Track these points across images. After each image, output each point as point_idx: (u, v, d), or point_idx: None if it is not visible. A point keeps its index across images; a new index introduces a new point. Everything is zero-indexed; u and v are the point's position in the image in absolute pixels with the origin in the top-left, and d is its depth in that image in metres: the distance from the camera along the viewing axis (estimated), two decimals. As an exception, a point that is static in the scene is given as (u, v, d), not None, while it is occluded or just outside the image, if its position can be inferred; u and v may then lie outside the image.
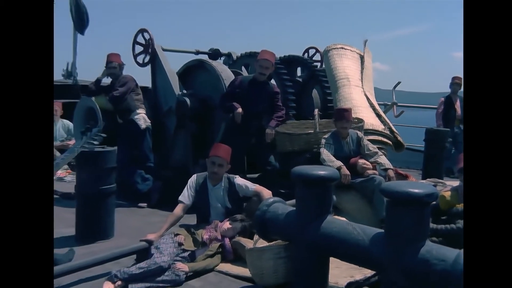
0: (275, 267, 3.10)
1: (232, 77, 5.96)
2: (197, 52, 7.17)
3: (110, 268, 3.36)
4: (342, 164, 4.66)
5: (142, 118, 5.78)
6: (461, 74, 7.37)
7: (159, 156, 6.14)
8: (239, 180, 4.15)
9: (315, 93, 7.09)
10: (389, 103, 8.40)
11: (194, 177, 4.19)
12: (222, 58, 7.40)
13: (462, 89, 7.96)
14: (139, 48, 6.57)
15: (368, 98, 6.26)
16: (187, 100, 5.97)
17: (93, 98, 5.88)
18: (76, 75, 10.06)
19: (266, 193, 3.99)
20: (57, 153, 7.15)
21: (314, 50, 8.23)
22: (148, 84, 6.71)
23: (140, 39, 6.56)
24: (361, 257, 2.52)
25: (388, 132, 5.84)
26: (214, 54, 7.19)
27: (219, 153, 4.12)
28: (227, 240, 3.69)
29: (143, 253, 3.57)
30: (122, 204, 5.33)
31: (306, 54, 8.22)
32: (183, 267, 3.36)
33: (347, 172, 4.64)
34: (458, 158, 4.30)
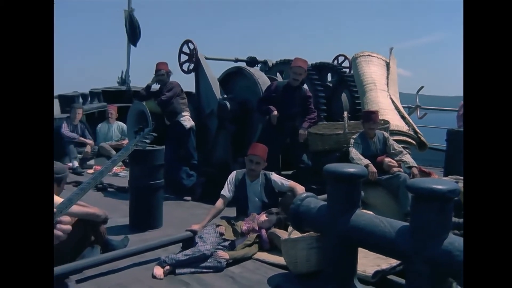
0: (307, 256, 3.10)
1: (268, 82, 5.98)
2: (236, 60, 7.24)
3: (160, 254, 3.44)
4: (370, 162, 4.64)
5: (187, 119, 5.84)
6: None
7: (202, 154, 6.19)
8: (275, 176, 4.16)
9: (344, 97, 7.04)
10: (413, 106, 8.24)
11: (234, 174, 4.22)
12: (259, 65, 7.42)
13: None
14: (184, 57, 6.68)
15: (393, 101, 6.18)
16: (228, 103, 6.03)
17: (144, 102, 5.97)
18: (129, 82, 10.24)
19: (300, 188, 3.99)
20: (112, 151, 7.36)
21: (343, 57, 8.18)
22: (192, 89, 6.80)
23: (185, 49, 6.67)
24: (387, 248, 2.50)
25: (412, 133, 5.77)
26: (252, 61, 7.24)
27: (256, 152, 4.14)
28: (263, 231, 3.71)
29: (188, 242, 3.63)
30: (170, 197, 5.41)
31: (335, 61, 8.17)
32: (224, 255, 3.39)
33: (374, 169, 4.62)
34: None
